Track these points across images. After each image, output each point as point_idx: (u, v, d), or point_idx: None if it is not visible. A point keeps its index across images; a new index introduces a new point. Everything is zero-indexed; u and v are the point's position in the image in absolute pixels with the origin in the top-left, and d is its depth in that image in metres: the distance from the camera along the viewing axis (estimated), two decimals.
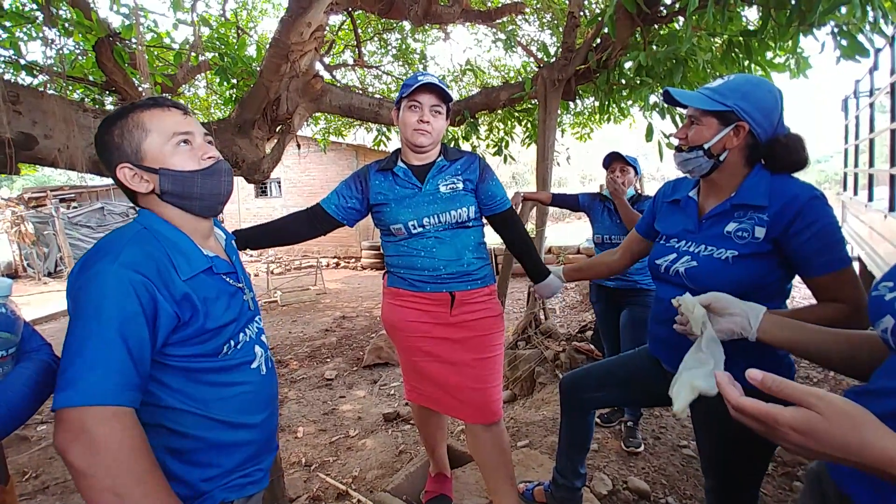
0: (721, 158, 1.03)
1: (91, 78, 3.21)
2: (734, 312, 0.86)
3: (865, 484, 0.54)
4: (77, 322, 0.68)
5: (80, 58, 3.39)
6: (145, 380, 0.72)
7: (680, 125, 2.80)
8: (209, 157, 0.83)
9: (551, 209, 3.18)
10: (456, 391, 1.42)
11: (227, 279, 0.87)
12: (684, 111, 1.11)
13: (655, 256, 1.17)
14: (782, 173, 1.02)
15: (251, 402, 0.87)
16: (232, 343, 0.84)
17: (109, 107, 3.49)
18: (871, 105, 4.51)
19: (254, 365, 0.88)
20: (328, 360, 4.64)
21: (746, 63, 2.62)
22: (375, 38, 5.63)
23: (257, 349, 0.90)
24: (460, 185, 1.38)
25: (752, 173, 1.03)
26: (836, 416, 0.47)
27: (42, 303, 7.54)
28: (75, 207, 10.93)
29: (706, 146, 1.03)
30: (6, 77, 3.04)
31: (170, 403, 0.77)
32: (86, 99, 3.37)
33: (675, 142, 1.11)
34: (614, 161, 2.25)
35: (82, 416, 0.63)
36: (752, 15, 3.06)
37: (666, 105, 3.25)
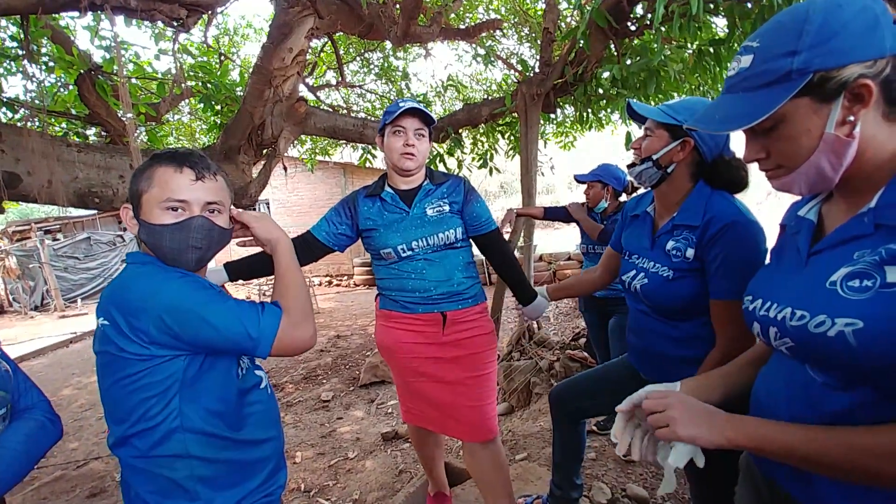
0: (668, 171, 1.08)
1: (74, 111, 3.21)
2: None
3: (786, 468, 0.66)
4: (206, 317, 0.78)
5: (62, 90, 3.39)
6: None
7: None
8: (184, 215, 0.84)
9: (542, 221, 3.24)
10: (451, 410, 1.43)
11: None
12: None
13: (622, 272, 1.22)
14: (722, 191, 1.06)
15: (266, 419, 0.94)
16: (241, 367, 0.91)
17: (93, 139, 3.50)
18: None
19: (261, 386, 0.96)
20: (324, 381, 4.60)
21: (717, 70, 2.71)
22: (357, 59, 5.71)
23: (258, 373, 0.97)
24: (447, 208, 1.41)
25: (694, 190, 1.07)
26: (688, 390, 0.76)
27: (29, 338, 7.38)
28: (59, 239, 10.78)
29: (654, 157, 1.08)
30: None
31: (199, 426, 0.82)
32: (69, 133, 3.36)
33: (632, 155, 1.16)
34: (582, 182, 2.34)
35: (284, 328, 0.83)
36: (721, 22, 3.17)
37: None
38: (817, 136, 0.58)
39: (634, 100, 2.88)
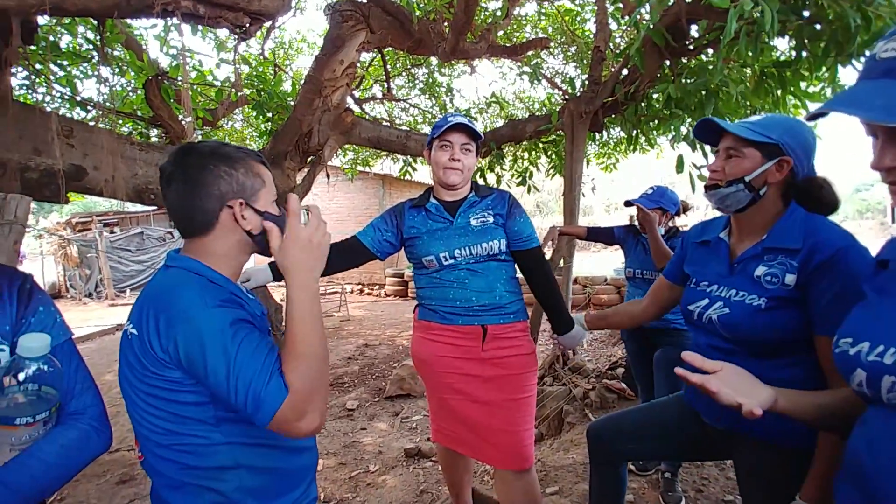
0: (761, 193, 0.99)
1: (139, 113, 3.42)
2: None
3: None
4: (216, 361, 0.69)
5: (130, 94, 3.63)
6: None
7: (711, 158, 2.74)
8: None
9: (578, 241, 3.14)
10: (486, 433, 1.37)
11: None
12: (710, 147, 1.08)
13: (687, 302, 1.11)
14: (817, 214, 0.97)
15: None
16: None
17: (154, 139, 3.71)
18: None
19: None
20: (350, 389, 4.59)
21: (780, 93, 2.56)
22: (404, 73, 5.84)
23: None
24: (490, 219, 1.40)
25: (787, 213, 0.99)
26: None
27: (81, 322, 7.83)
28: (115, 232, 11.50)
29: (747, 179, 0.98)
30: (61, 112, 3.27)
31: (247, 433, 0.80)
32: (133, 133, 3.57)
33: (707, 174, 1.06)
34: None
35: (284, 412, 0.68)
36: (783, 44, 3.01)
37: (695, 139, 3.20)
38: None
39: (690, 120, 2.76)
